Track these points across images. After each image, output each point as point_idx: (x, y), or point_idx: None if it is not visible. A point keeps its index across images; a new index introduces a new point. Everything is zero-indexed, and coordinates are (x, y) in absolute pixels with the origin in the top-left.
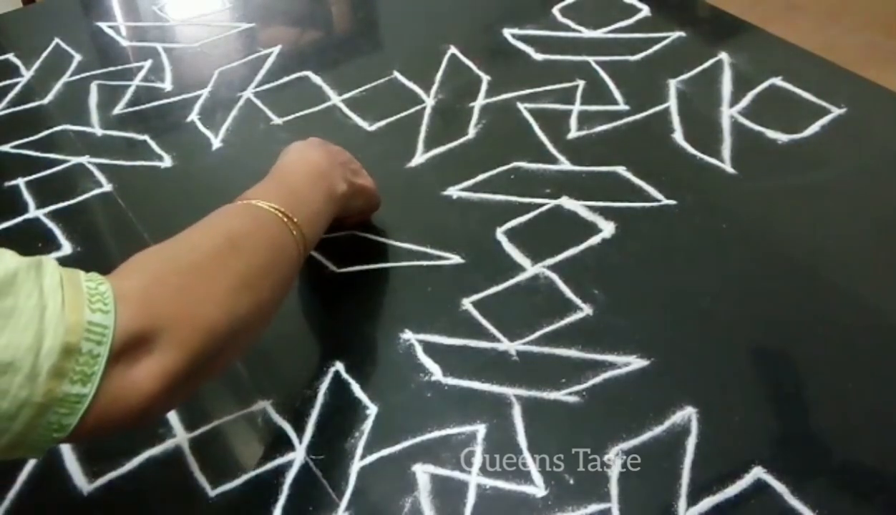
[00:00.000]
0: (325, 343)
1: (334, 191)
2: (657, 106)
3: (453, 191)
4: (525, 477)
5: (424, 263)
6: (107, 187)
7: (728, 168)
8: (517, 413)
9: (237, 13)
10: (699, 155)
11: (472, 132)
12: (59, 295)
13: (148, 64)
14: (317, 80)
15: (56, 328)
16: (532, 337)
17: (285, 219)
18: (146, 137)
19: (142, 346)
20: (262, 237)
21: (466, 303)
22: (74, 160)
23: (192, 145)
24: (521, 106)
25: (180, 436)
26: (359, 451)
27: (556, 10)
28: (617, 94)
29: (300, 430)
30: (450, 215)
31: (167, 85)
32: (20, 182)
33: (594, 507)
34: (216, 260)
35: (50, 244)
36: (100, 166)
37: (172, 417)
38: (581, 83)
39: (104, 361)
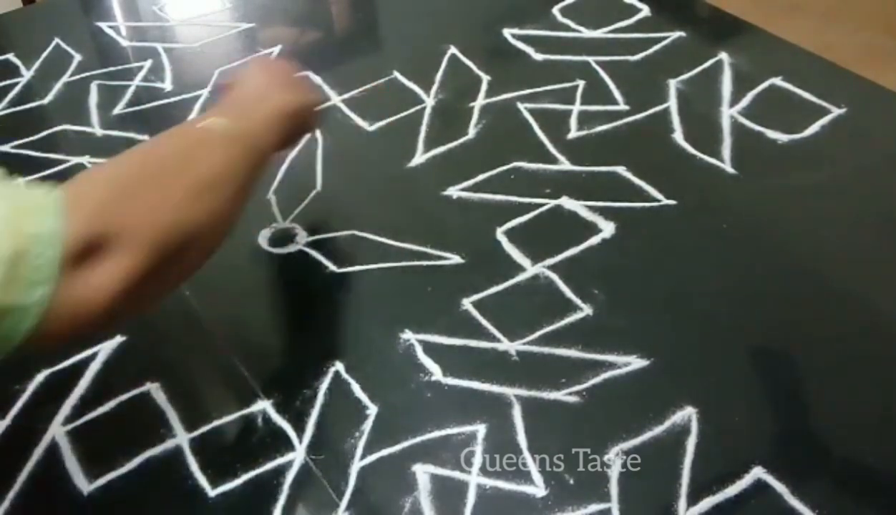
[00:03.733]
0: (325, 343)
1: (278, 107)
2: (657, 106)
3: (453, 191)
4: (525, 477)
5: (424, 263)
6: None
7: (728, 168)
8: (517, 413)
9: (237, 13)
10: (699, 155)
11: (472, 132)
12: (3, 205)
13: (148, 64)
14: (317, 80)
15: (2, 238)
16: (532, 337)
17: (235, 131)
18: (146, 137)
19: (98, 250)
20: (214, 149)
21: (466, 303)
22: (74, 160)
23: None
24: (521, 106)
25: (180, 436)
26: (359, 451)
27: (556, 10)
28: (617, 94)
29: (300, 430)
30: (450, 215)
31: (167, 85)
32: (20, 182)
33: (594, 507)
34: (168, 170)
35: None
36: None
37: (172, 417)
38: (581, 83)
39: (56, 265)
